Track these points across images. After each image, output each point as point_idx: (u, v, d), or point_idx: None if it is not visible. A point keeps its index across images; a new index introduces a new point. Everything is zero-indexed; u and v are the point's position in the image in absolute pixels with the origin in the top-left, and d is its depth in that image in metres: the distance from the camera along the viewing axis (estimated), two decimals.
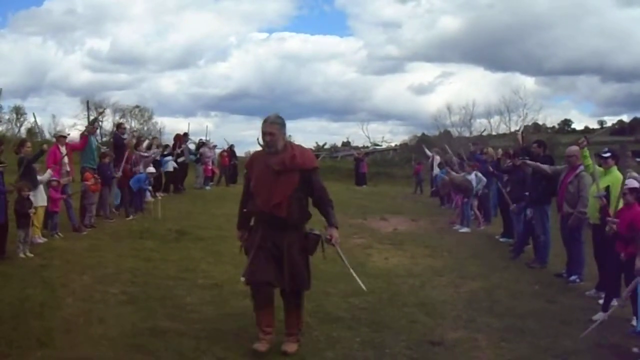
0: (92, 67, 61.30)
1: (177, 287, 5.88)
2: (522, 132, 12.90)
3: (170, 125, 55.28)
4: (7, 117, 36.95)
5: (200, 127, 71.65)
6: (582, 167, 6.74)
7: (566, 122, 48.94)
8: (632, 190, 5.41)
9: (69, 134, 10.20)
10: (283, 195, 4.00)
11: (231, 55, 61.51)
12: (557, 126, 46.82)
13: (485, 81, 54.36)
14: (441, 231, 10.87)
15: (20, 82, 49.29)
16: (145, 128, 38.13)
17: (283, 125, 4.13)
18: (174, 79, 64.20)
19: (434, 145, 21.45)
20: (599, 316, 5.26)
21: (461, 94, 60.87)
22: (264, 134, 4.07)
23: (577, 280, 6.71)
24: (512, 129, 38.05)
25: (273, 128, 4.06)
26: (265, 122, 4.09)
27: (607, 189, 5.85)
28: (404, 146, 38.40)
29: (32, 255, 6.97)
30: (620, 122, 45.60)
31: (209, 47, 65.07)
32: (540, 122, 38.20)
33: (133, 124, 38.03)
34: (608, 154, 6.35)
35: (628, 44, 47.08)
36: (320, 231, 4.23)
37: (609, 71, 54.79)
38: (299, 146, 4.22)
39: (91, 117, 15.03)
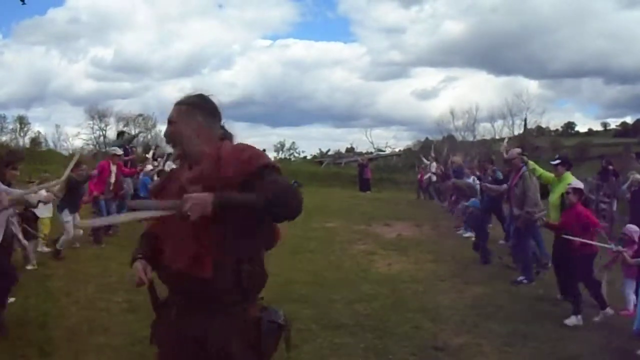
0: (96, 76, 61.78)
1: None
2: (506, 144, 12.12)
3: None
4: (10, 127, 37.26)
5: None
6: (524, 169, 6.80)
7: (569, 125, 48.90)
8: (576, 190, 5.43)
9: (120, 154, 9.89)
10: (206, 240, 2.00)
11: (235, 63, 61.86)
12: (560, 129, 46.82)
13: (489, 85, 54.38)
14: (445, 236, 10.84)
15: (24, 92, 49.73)
16: (149, 136, 38.30)
17: (200, 108, 2.16)
18: (177, 87, 64.42)
19: (436, 151, 21.51)
20: (572, 321, 5.19)
21: (465, 98, 60.91)
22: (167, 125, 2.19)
23: (525, 281, 6.71)
24: (516, 133, 38.10)
25: (176, 113, 2.15)
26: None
27: (562, 196, 5.81)
28: (407, 151, 38.40)
29: (36, 266, 6.99)
30: (624, 124, 45.59)
31: (213, 54, 65.35)
32: (544, 126, 38.24)
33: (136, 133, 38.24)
34: (557, 161, 6.35)
35: (631, 46, 47.05)
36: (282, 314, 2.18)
37: (612, 73, 54.87)
38: (239, 144, 2.17)
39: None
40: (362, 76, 64.61)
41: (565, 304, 5.77)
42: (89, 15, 57.41)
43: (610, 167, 13.21)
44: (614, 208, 11.90)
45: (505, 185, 7.85)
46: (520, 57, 50.86)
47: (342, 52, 61.26)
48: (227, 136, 2.22)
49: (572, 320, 5.20)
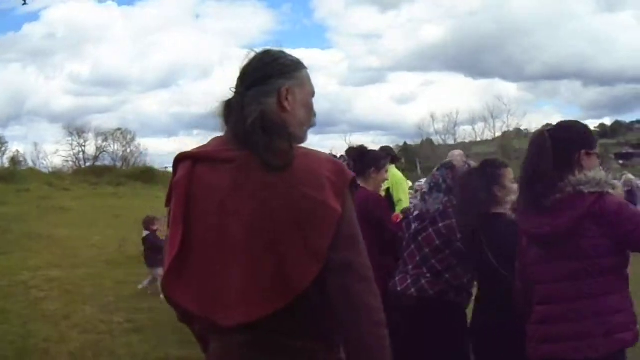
0: (73, 92, 61.36)
1: None
2: None
3: (153, 146, 54.79)
4: None
5: (185, 146, 71.21)
6: None
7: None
8: None
9: None
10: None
11: (213, 73, 61.59)
12: None
13: (467, 89, 55.32)
14: None
15: (0, 111, 48.78)
16: (129, 150, 37.83)
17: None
18: (155, 99, 64.00)
19: (416, 155, 21.63)
20: None
21: (443, 101, 61.63)
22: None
23: None
24: (497, 135, 38.61)
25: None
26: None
27: (388, 190, 5.10)
28: None
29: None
30: (602, 125, 46.64)
31: (191, 65, 65.15)
32: (523, 128, 38.92)
33: (115, 147, 37.76)
34: None
35: (609, 48, 48.20)
36: None
37: (590, 75, 56.15)
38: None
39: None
40: (340, 82, 65.19)
41: None
42: (65, 29, 57.01)
43: None
44: None
45: None
46: (498, 60, 51.94)
47: (320, 59, 61.60)
48: None
49: None
